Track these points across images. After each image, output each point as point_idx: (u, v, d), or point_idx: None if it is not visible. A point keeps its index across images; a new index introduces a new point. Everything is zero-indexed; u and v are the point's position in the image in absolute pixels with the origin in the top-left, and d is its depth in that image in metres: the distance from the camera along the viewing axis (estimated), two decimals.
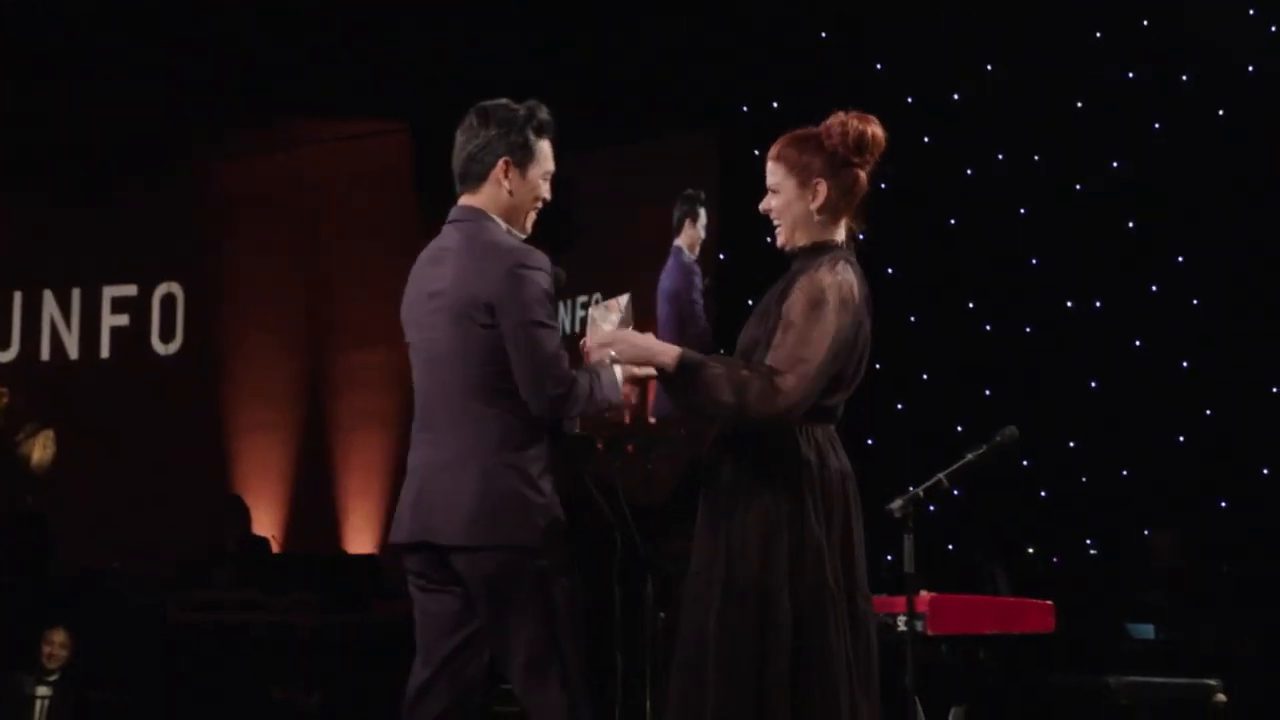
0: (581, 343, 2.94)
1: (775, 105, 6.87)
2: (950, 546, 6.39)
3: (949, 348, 6.76)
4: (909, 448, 6.13)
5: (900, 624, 3.38)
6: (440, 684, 2.94)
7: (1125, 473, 6.46)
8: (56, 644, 6.16)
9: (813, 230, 2.94)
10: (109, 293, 9.22)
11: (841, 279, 2.86)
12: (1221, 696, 4.45)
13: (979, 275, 6.81)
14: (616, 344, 2.90)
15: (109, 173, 8.96)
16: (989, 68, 6.93)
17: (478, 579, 2.90)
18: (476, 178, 3.02)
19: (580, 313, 7.05)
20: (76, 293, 9.27)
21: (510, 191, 3.02)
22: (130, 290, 9.20)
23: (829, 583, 2.78)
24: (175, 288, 9.15)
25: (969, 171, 6.88)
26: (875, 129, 2.92)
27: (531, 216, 3.07)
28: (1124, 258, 6.62)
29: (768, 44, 7.15)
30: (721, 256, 6.93)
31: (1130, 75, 6.75)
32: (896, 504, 3.10)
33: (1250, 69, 6.53)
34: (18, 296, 9.39)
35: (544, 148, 3.05)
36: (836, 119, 2.91)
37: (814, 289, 2.83)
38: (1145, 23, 6.77)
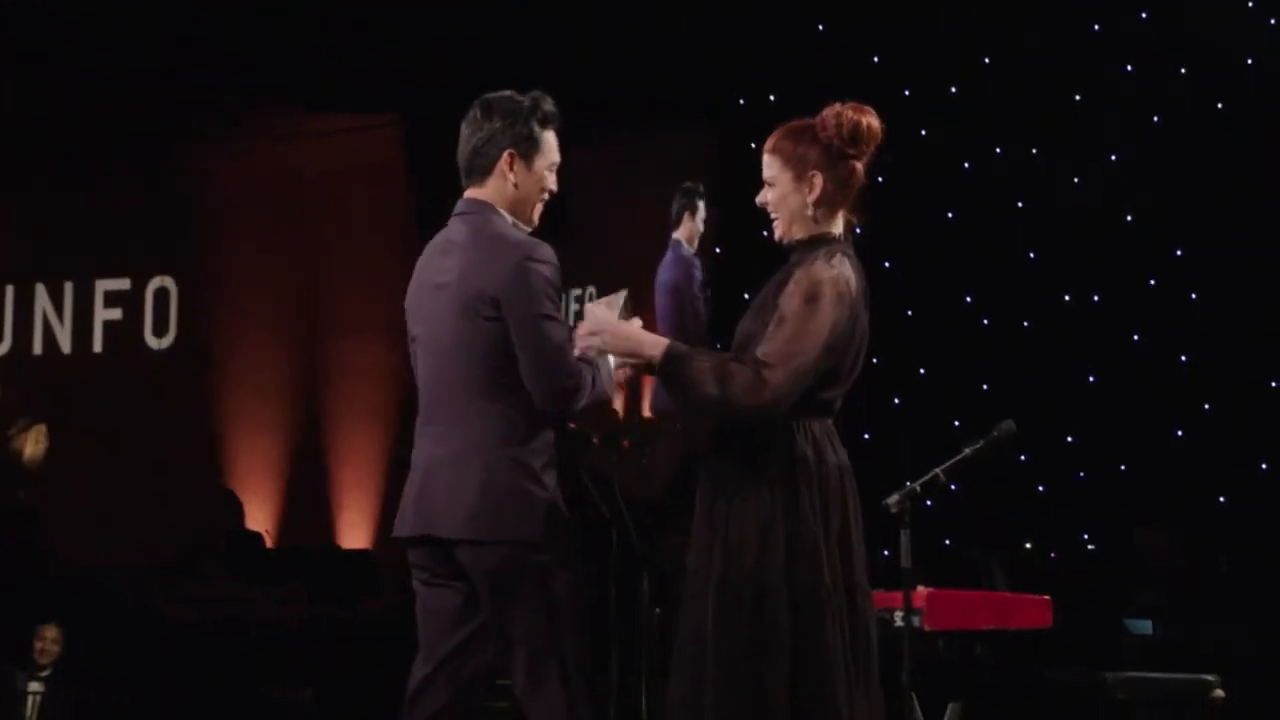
0: (571, 332, 2.93)
1: (772, 99, 6.85)
2: (947, 542, 6.37)
3: (946, 342, 6.75)
4: (906, 442, 6.12)
5: (897, 619, 3.37)
6: (440, 680, 2.94)
7: (1123, 468, 6.45)
8: (49, 640, 6.15)
9: (810, 223, 2.92)
10: (102, 286, 9.20)
11: (838, 273, 2.84)
12: (1219, 692, 4.45)
13: (976, 269, 6.79)
14: (604, 334, 2.88)
15: (102, 166, 8.94)
16: (986, 61, 6.91)
17: (481, 573, 2.89)
18: (481, 171, 3.01)
19: (574, 306, 7.03)
20: (69, 286, 9.27)
21: (516, 184, 3.00)
22: (123, 284, 9.18)
23: (826, 579, 2.77)
24: (168, 281, 9.13)
25: (966, 165, 6.86)
26: (871, 120, 2.90)
27: (538, 208, 3.06)
28: (1122, 252, 6.60)
29: (764, 38, 7.13)
30: (718, 251, 6.91)
31: (1128, 69, 6.72)
32: (893, 499, 3.11)
33: (1249, 62, 6.51)
34: (10, 290, 9.38)
35: (549, 139, 3.03)
36: (832, 110, 2.89)
37: (810, 283, 2.82)
38: (1143, 16, 6.75)
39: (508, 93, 3.04)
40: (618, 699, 4.53)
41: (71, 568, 7.14)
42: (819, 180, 2.89)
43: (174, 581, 6.98)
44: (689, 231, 6.17)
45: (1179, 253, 6.55)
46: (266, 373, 8.83)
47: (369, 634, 6.59)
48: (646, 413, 7.06)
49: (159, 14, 8.17)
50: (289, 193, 8.96)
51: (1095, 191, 6.67)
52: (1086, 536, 6.48)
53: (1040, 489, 6.57)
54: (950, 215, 6.89)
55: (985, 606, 3.90)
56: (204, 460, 8.65)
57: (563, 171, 3.10)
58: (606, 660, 4.46)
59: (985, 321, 6.79)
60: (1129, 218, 6.62)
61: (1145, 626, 5.76)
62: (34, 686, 6.09)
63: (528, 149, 3.00)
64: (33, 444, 7.19)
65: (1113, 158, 6.70)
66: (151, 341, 9.15)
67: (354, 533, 8.42)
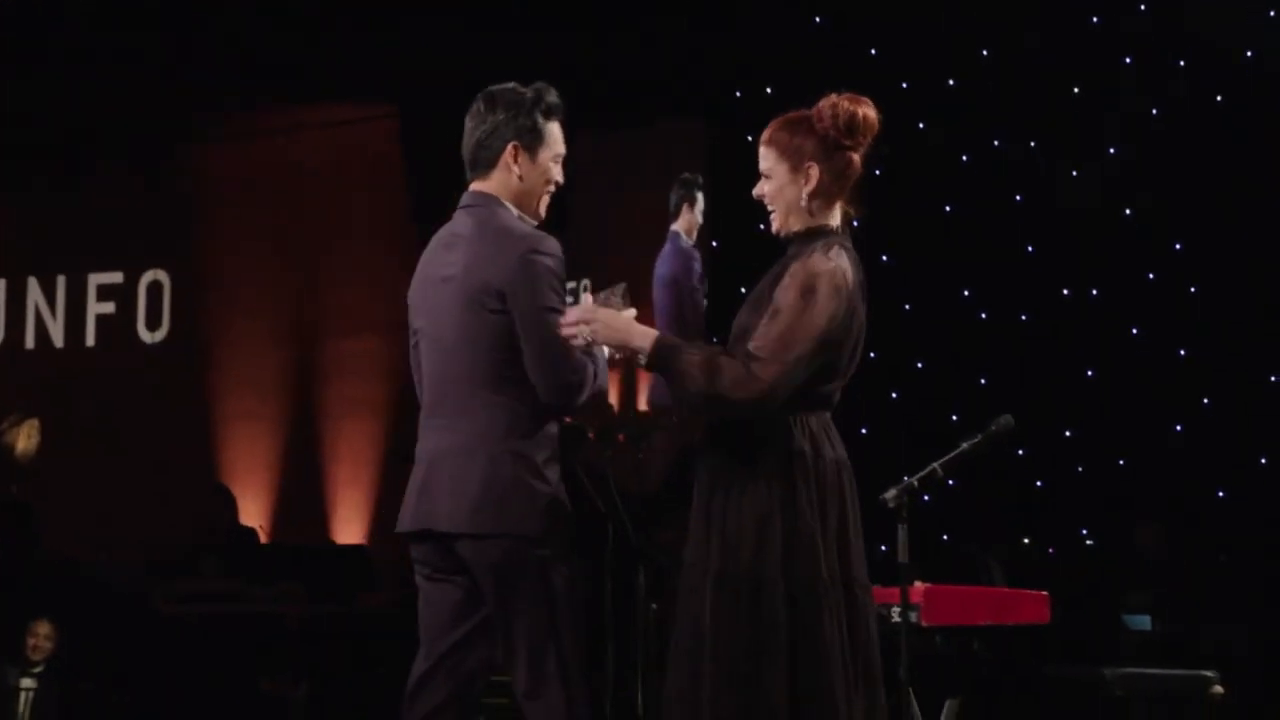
0: (560, 320, 2.91)
1: (769, 92, 6.82)
2: (945, 537, 6.36)
3: (944, 336, 6.73)
4: (903, 437, 6.10)
5: (894, 615, 3.36)
6: (440, 676, 2.94)
7: (1121, 462, 6.43)
8: (41, 635, 6.13)
9: (806, 215, 2.90)
10: (94, 280, 9.17)
11: (835, 265, 2.82)
12: (1218, 688, 4.45)
13: (974, 263, 6.77)
14: (594, 323, 2.85)
15: (94, 159, 8.92)
16: (984, 54, 6.88)
17: (482, 567, 2.89)
18: (486, 164, 3.01)
19: (569, 300, 7.00)
20: (61, 280, 9.24)
21: (520, 176, 3.00)
22: (116, 277, 9.15)
23: (823, 574, 2.76)
24: (161, 275, 9.10)
25: (964, 158, 6.84)
26: (867, 110, 2.88)
27: (544, 201, 3.05)
28: (1121, 245, 6.58)
29: (761, 32, 7.10)
30: (715, 244, 6.89)
31: (1127, 61, 6.70)
32: (891, 494, 3.10)
33: (1249, 54, 6.49)
34: (2, 284, 9.35)
35: (553, 130, 3.03)
36: (828, 101, 2.88)
37: (806, 275, 2.80)
38: (1143, 8, 6.72)
39: (511, 85, 3.04)
40: (614, 694, 4.52)
41: (64, 563, 7.13)
42: (815, 172, 2.87)
43: (167, 577, 6.96)
44: (688, 223, 6.14)
45: (1178, 247, 6.53)
46: (260, 366, 8.80)
47: (364, 629, 6.58)
48: (642, 406, 7.04)
49: (154, 8, 8.13)
50: (283, 185, 8.92)
51: (1094, 186, 6.65)
52: (1085, 532, 6.46)
53: (1038, 484, 6.56)
54: (948, 209, 6.87)
55: (983, 602, 3.89)
56: (197, 455, 8.62)
57: (563, 165, 3.08)
58: (602, 655, 4.46)
59: (983, 316, 6.77)
60: (1127, 212, 6.60)
61: (1143, 622, 5.76)
62: (26, 683, 6.07)
63: (532, 141, 3.00)
64: (25, 438, 7.15)
65: (1111, 152, 6.68)
66: (145, 335, 9.12)
67: (349, 528, 8.40)
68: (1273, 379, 6.30)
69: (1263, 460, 6.21)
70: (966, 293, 6.80)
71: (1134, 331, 6.55)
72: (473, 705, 2.98)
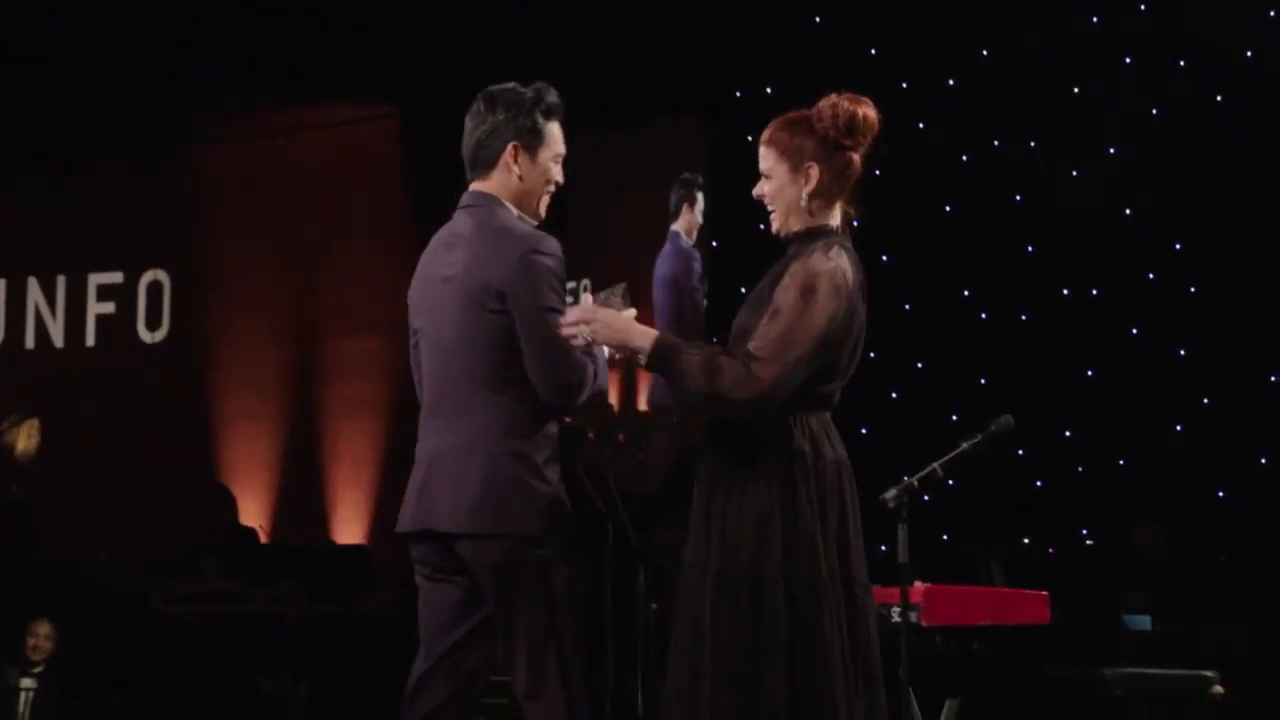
0: (559, 319, 2.91)
1: (769, 91, 6.81)
2: (945, 537, 6.35)
3: (944, 336, 6.72)
4: (903, 437, 6.09)
5: (894, 615, 3.35)
6: (440, 676, 2.94)
7: (1121, 462, 6.42)
8: (41, 635, 6.12)
9: (806, 215, 2.90)
10: (94, 280, 9.15)
11: (835, 265, 2.82)
12: (1218, 688, 4.44)
13: (974, 263, 6.76)
14: (594, 323, 2.85)
15: (94, 159, 8.90)
16: (984, 54, 6.88)
17: (482, 567, 2.89)
18: (486, 164, 3.00)
19: (569, 300, 6.99)
20: (61, 280, 9.22)
21: (520, 176, 3.00)
22: (116, 277, 9.13)
23: (823, 574, 2.75)
24: (162, 275, 9.08)
25: (964, 158, 6.83)
26: (867, 110, 2.88)
27: (544, 201, 3.05)
28: (1121, 245, 6.58)
29: (761, 31, 7.09)
30: (715, 244, 6.88)
31: (1127, 61, 6.70)
32: (891, 494, 3.09)
33: (1248, 54, 6.48)
34: (2, 284, 9.33)
35: (553, 130, 3.03)
36: (827, 101, 2.88)
37: (806, 275, 2.80)
38: (1142, 8, 6.72)
39: (511, 85, 3.03)
40: (614, 694, 4.52)
41: (64, 563, 7.12)
42: (815, 172, 2.87)
43: (167, 577, 6.94)
44: (688, 223, 6.13)
45: (1178, 247, 6.52)
46: (260, 366, 8.78)
47: (364, 630, 6.57)
48: (642, 406, 7.04)
49: (154, 8, 8.12)
50: (283, 185, 8.90)
51: (1094, 186, 6.64)
52: (1085, 532, 6.45)
53: (1038, 484, 6.55)
54: (948, 209, 6.86)
55: (983, 602, 3.88)
56: (197, 455, 8.60)
57: (563, 165, 3.08)
58: (602, 655, 4.45)
59: (983, 316, 6.76)
60: (1127, 211, 6.59)
61: (1143, 622, 5.75)
62: (26, 683, 6.06)
63: (532, 141, 3.00)
64: (25, 438, 7.14)
65: (1111, 151, 6.67)
66: (145, 335, 9.09)
67: (349, 528, 8.38)
68: (1273, 379, 6.29)
69: (1263, 460, 6.21)
70: (966, 293, 6.79)
71: (1134, 331, 6.54)
72: (473, 705, 2.98)
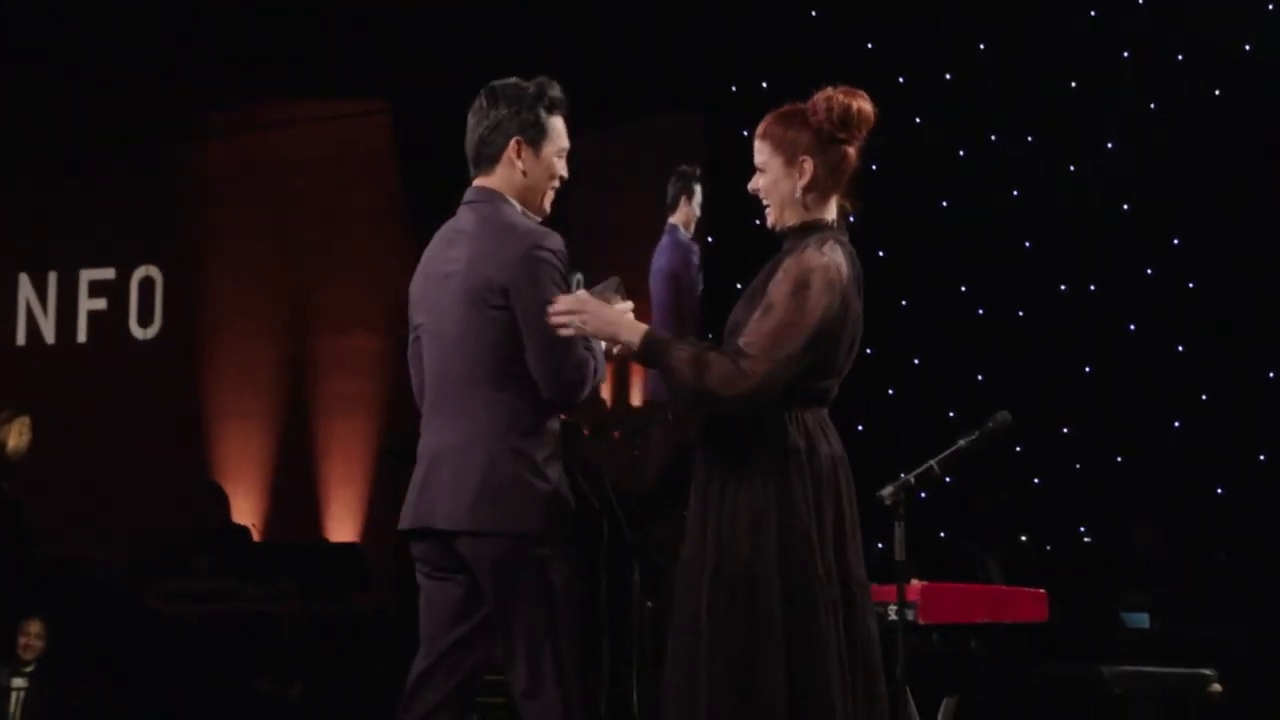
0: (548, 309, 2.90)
1: (764, 85, 6.78)
2: (942, 534, 6.33)
3: (941, 332, 6.70)
4: (900, 434, 6.06)
5: (891, 613, 3.35)
6: (439, 674, 2.94)
7: (1119, 459, 6.40)
8: (32, 634, 6.09)
9: (801, 209, 2.89)
10: (86, 276, 9.13)
11: (828, 260, 2.80)
12: (1217, 686, 4.43)
13: (971, 258, 6.73)
14: (583, 314, 2.83)
15: (86, 155, 8.87)
16: (981, 47, 6.85)
17: (481, 565, 2.88)
18: (489, 159, 3.00)
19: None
20: (53, 276, 9.20)
21: (524, 172, 2.99)
22: (108, 273, 9.11)
23: (819, 571, 2.74)
24: (154, 271, 9.05)
25: (961, 153, 6.81)
26: (862, 103, 2.87)
27: (549, 196, 3.04)
28: (1119, 241, 6.55)
29: (757, 25, 7.07)
30: (710, 239, 6.85)
31: (1125, 55, 6.67)
32: (887, 491, 3.08)
33: (1246, 48, 6.45)
34: None
35: (556, 124, 3.02)
36: (822, 94, 2.86)
37: (799, 271, 2.78)
38: (1140, 2, 6.69)
39: (513, 79, 3.02)
40: (609, 692, 4.51)
41: (55, 561, 7.09)
42: (809, 165, 2.86)
43: (159, 575, 6.92)
44: (685, 216, 6.10)
45: (1176, 241, 6.49)
46: (253, 363, 8.75)
47: (357, 628, 6.56)
48: (635, 401, 7.02)
49: (147, 4, 8.08)
50: (276, 181, 8.87)
51: (1091, 181, 6.62)
52: (1083, 529, 6.43)
53: (1035, 481, 6.53)
54: (945, 204, 6.84)
55: (980, 600, 3.88)
56: (190, 452, 8.57)
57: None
58: (598, 653, 4.44)
59: (980, 311, 6.74)
60: (1125, 207, 6.57)
61: (1142, 620, 5.73)
62: (17, 682, 6.03)
63: (535, 136, 2.99)
64: (16, 435, 7.10)
65: (1109, 147, 6.64)
66: (137, 332, 9.06)
67: (342, 526, 8.35)
68: (1271, 375, 6.27)
69: (1261, 457, 6.18)
70: (963, 288, 6.76)
71: (1132, 328, 6.52)
72: (472, 703, 2.98)
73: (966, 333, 6.69)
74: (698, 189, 6.11)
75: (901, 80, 6.79)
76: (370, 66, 8.16)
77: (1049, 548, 6.39)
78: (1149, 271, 6.52)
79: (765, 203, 2.92)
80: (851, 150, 2.89)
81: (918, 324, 6.68)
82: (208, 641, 6.49)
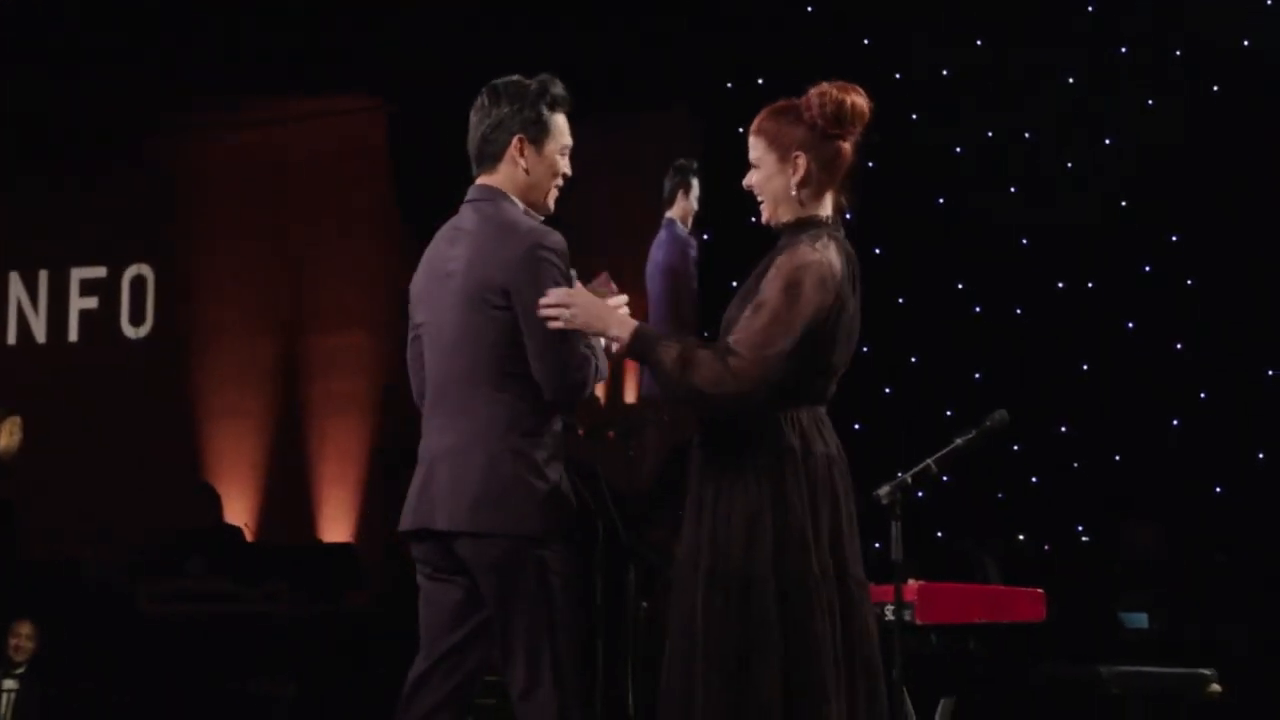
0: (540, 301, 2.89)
1: (760, 81, 6.75)
2: (939, 534, 6.30)
3: (937, 330, 6.67)
4: (897, 433, 6.03)
5: (889, 613, 3.34)
6: (438, 676, 2.93)
7: (1118, 458, 6.37)
8: (23, 636, 6.09)
9: (796, 205, 2.87)
10: (77, 275, 9.08)
11: (821, 257, 2.78)
12: (1216, 686, 4.42)
13: (969, 256, 6.70)
14: (573, 308, 2.82)
15: (78, 153, 8.83)
16: (979, 43, 6.82)
17: (481, 566, 2.87)
18: (492, 158, 2.99)
19: None
20: (44, 275, 9.15)
21: (527, 170, 2.98)
22: (99, 272, 9.06)
23: (814, 571, 2.73)
24: (145, 270, 9.01)
25: (958, 150, 6.78)
26: (855, 98, 2.85)
27: (552, 194, 3.04)
28: (1117, 238, 6.52)
29: (752, 19, 7.04)
30: (706, 236, 6.82)
31: (1123, 50, 6.64)
32: (884, 490, 3.06)
33: (1245, 43, 6.43)
34: None
35: (559, 122, 3.02)
36: (816, 90, 2.85)
37: (791, 268, 2.77)
38: None
39: (515, 77, 3.01)
40: (604, 692, 4.50)
41: (46, 562, 7.08)
42: (803, 161, 2.84)
43: (151, 576, 6.90)
44: (683, 210, 6.07)
45: (1174, 237, 6.47)
46: (246, 362, 8.71)
47: (351, 628, 6.55)
48: (629, 399, 6.99)
49: (137, 0, 8.05)
50: (269, 179, 8.83)
51: (1090, 178, 6.58)
52: (1081, 528, 6.40)
53: (1033, 480, 6.50)
54: (942, 201, 6.80)
55: (978, 600, 3.86)
56: (182, 452, 8.54)
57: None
58: (593, 653, 4.43)
59: (977, 309, 6.71)
60: (1123, 204, 6.53)
61: (1140, 620, 5.71)
62: (8, 684, 6.03)
63: (537, 133, 2.98)
64: (7, 436, 7.05)
65: (1107, 143, 6.61)
66: (128, 331, 9.02)
67: (335, 526, 8.31)
68: (1270, 373, 6.24)
69: (1260, 456, 6.16)
70: (960, 285, 6.73)
71: (1130, 325, 6.49)
72: (468, 706, 2.98)
73: (964, 331, 6.66)
74: (695, 183, 6.07)
75: (898, 76, 6.76)
76: (365, 64, 8.13)
77: (1047, 547, 6.36)
78: (1147, 269, 6.50)
79: (760, 199, 2.90)
80: (846, 146, 2.87)
81: (915, 322, 6.65)
82: (200, 643, 6.47)
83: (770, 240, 2.91)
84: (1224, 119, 6.35)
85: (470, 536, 2.86)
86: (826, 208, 2.88)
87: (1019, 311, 6.67)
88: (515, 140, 2.97)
